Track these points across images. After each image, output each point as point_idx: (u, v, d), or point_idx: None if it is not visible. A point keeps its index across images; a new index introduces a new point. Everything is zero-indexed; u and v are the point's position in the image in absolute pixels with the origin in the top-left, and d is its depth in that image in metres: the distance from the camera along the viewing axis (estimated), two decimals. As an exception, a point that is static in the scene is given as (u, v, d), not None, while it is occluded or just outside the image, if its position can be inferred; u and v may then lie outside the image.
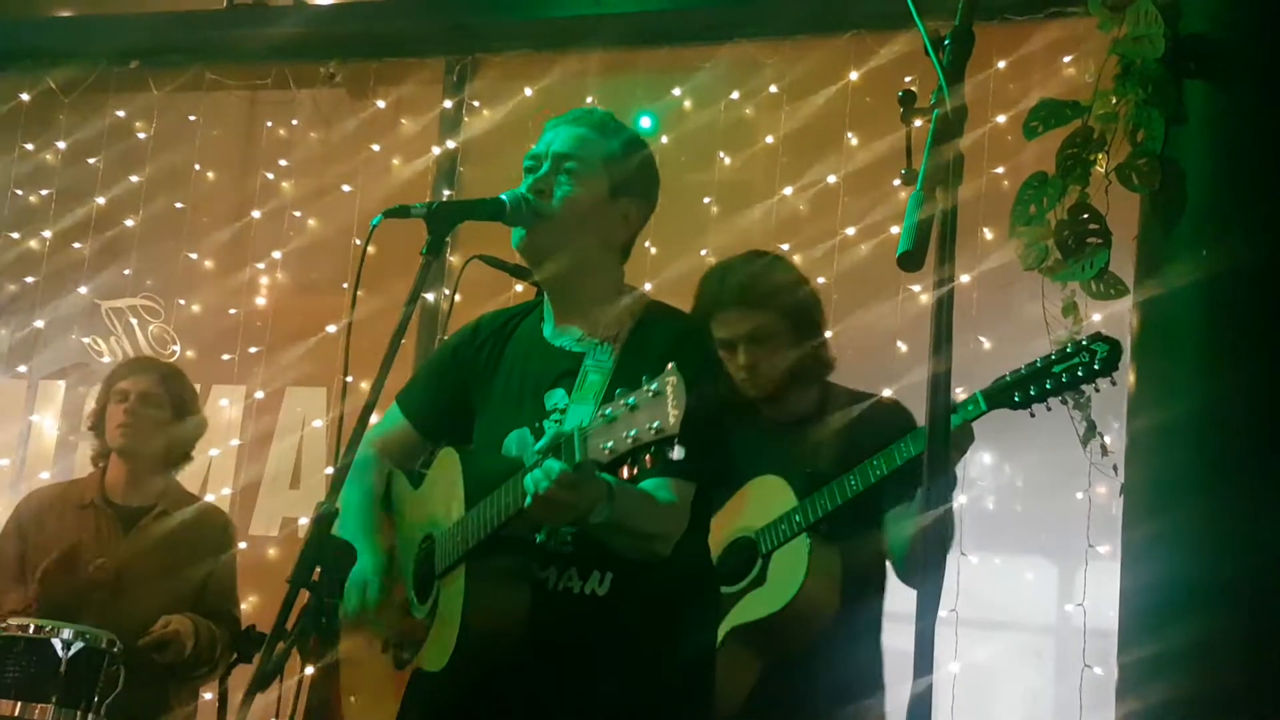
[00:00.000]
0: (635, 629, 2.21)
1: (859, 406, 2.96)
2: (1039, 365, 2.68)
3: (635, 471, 1.92)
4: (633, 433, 1.84)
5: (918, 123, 1.60)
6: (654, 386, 1.83)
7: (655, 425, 1.81)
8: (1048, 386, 2.66)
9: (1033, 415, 2.69)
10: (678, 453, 1.81)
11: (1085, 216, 3.15)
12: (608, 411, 1.88)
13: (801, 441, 2.92)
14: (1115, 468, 3.20)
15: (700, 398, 1.83)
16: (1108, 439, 3.22)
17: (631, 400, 1.85)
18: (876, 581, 2.95)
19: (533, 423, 2.26)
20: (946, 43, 1.53)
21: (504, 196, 2.30)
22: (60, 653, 3.10)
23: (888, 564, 2.93)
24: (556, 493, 1.96)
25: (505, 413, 2.32)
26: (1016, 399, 2.68)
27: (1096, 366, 2.63)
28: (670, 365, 1.84)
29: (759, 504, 2.86)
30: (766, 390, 2.96)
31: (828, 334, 3.17)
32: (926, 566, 1.56)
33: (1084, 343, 2.66)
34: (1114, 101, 3.11)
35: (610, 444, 1.87)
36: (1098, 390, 2.73)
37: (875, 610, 2.95)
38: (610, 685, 2.19)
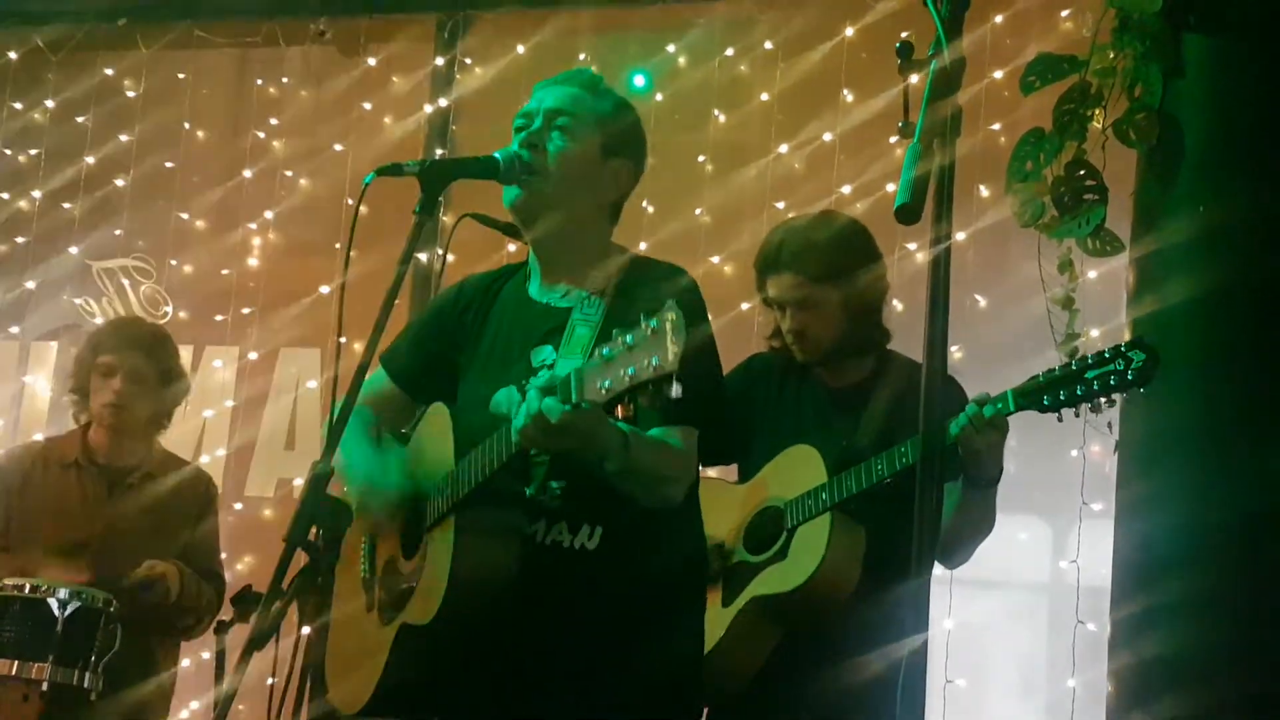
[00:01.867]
0: (625, 583, 2.21)
1: (909, 378, 2.89)
2: (1074, 369, 2.60)
3: (633, 410, 1.89)
4: (630, 370, 1.81)
5: (914, 78, 1.59)
6: (652, 324, 1.80)
7: (654, 362, 1.78)
8: (1079, 392, 2.57)
9: (1060, 419, 2.62)
10: (676, 390, 1.78)
11: (1082, 173, 3.15)
12: (605, 351, 1.86)
13: (851, 410, 2.89)
14: (1110, 425, 3.21)
15: (693, 345, 1.81)
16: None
17: (629, 338, 1.83)
18: (904, 557, 2.91)
19: (519, 380, 2.25)
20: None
21: (497, 154, 2.30)
22: (56, 612, 3.11)
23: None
24: (540, 433, 1.96)
25: (492, 371, 2.32)
26: (1046, 402, 2.60)
27: (1130, 376, 2.53)
28: (669, 302, 1.82)
29: (791, 474, 2.84)
30: (814, 356, 2.93)
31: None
32: (935, 528, 1.54)
33: (1122, 349, 2.57)
34: (1111, 56, 3.10)
35: (608, 383, 1.85)
36: (1126, 398, 2.66)
37: (906, 588, 2.91)
38: (599, 639, 2.19)
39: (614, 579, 2.21)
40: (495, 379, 2.26)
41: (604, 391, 1.86)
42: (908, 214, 1.46)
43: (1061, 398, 2.60)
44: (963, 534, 2.83)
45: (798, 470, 2.83)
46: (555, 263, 2.37)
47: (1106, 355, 2.59)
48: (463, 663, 2.18)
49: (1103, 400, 2.59)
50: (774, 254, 2.93)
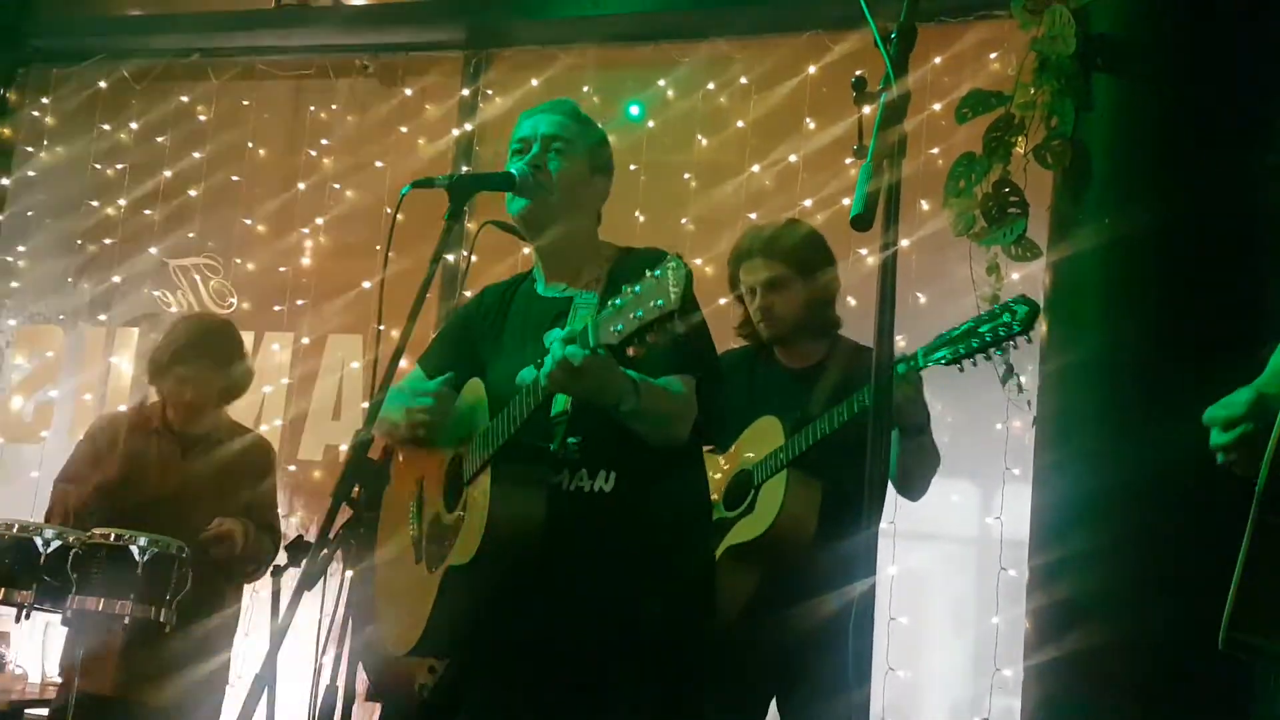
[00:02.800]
0: (640, 519, 2.20)
1: (856, 356, 2.92)
2: (970, 325, 2.61)
3: (642, 351, 1.85)
4: (639, 313, 1.79)
5: (867, 108, 1.59)
6: (656, 273, 1.78)
7: (659, 303, 1.76)
8: (974, 345, 2.59)
9: (961, 370, 2.64)
10: (680, 326, 1.76)
11: (1007, 190, 3.15)
12: (615, 301, 1.85)
13: (807, 386, 2.91)
14: (1029, 403, 3.22)
15: (685, 308, 1.78)
16: (1023, 379, 3.24)
17: (637, 288, 1.81)
18: (859, 510, 2.91)
19: (536, 360, 2.26)
20: (893, 37, 1.52)
21: (513, 170, 2.32)
22: (138, 557, 3.10)
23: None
24: (564, 378, 1.94)
25: (513, 355, 2.32)
26: (948, 355, 2.61)
27: (1016, 326, 2.56)
28: (669, 255, 1.81)
29: (758, 441, 2.86)
30: (779, 331, 2.94)
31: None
32: (881, 483, 1.54)
33: (1009, 303, 2.59)
34: (1032, 92, 3.10)
35: (619, 325, 1.82)
36: (1015, 347, 2.66)
37: (859, 535, 2.91)
38: (620, 568, 2.18)
39: (629, 515, 2.20)
40: (516, 362, 2.25)
41: (616, 334, 1.83)
42: (861, 223, 1.47)
43: (961, 350, 2.61)
44: (913, 471, 2.84)
45: (763, 437, 2.85)
46: (556, 263, 2.39)
47: (996, 310, 2.61)
48: (501, 595, 2.16)
49: (994, 351, 2.59)
50: (747, 246, 2.99)
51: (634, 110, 4.88)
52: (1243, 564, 1.63)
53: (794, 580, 2.76)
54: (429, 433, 2.33)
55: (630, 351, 1.86)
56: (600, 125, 2.49)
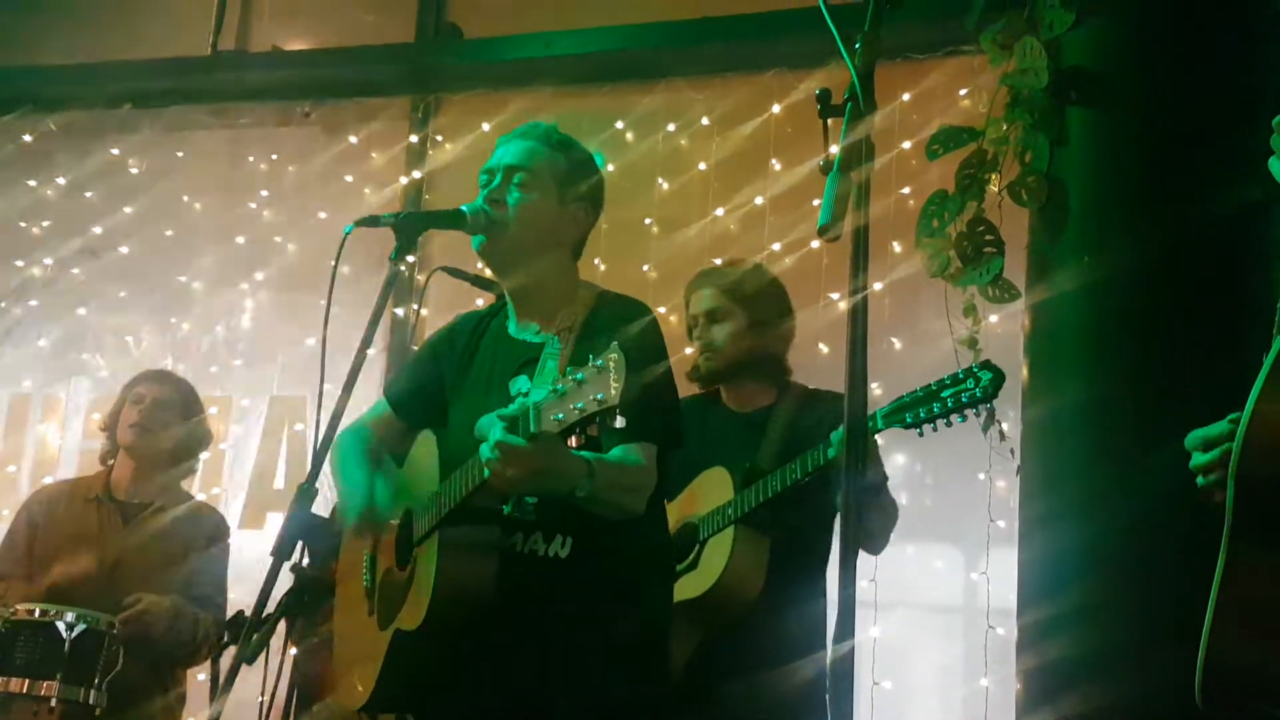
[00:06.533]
0: (594, 588, 2.21)
1: (806, 402, 2.95)
2: (932, 388, 2.63)
3: (583, 440, 1.91)
4: (579, 404, 1.83)
5: (831, 121, 1.61)
6: (598, 363, 1.83)
7: (599, 396, 1.81)
8: (935, 409, 2.61)
9: (920, 434, 2.64)
10: (619, 421, 1.81)
11: (981, 229, 3.18)
12: (558, 387, 1.88)
13: (755, 433, 2.92)
14: (1012, 451, 3.22)
15: (649, 369, 1.83)
16: (1005, 425, 3.25)
17: (580, 375, 1.85)
18: (815, 562, 2.93)
19: (499, 407, 2.25)
20: (858, 47, 1.55)
21: (464, 207, 2.32)
22: (64, 634, 3.05)
23: (834, 542, 2.92)
24: (506, 465, 1.95)
25: (476, 399, 2.32)
26: (909, 419, 2.63)
27: (979, 393, 2.58)
28: (613, 343, 1.85)
29: (705, 493, 2.87)
30: (717, 366, 2.98)
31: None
32: (856, 542, 1.54)
33: (973, 368, 2.61)
34: (1004, 127, 3.15)
35: (560, 415, 1.86)
36: (978, 414, 2.66)
37: (814, 587, 2.93)
38: (572, 640, 2.19)
39: (584, 583, 2.21)
40: (479, 406, 2.26)
41: (556, 423, 1.87)
42: (828, 232, 1.48)
43: (921, 414, 2.62)
44: (873, 529, 2.86)
45: (711, 489, 2.87)
46: (526, 301, 2.38)
47: (960, 375, 2.63)
48: (449, 663, 2.18)
49: (955, 417, 2.61)
50: (697, 279, 3.13)
51: (591, 156, 4.91)
52: (1211, 616, 1.60)
53: (739, 638, 2.77)
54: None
55: (571, 441, 1.91)
56: (582, 146, 2.44)
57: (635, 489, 2.21)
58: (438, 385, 2.44)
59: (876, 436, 2.69)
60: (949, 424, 2.63)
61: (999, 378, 2.59)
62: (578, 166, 2.39)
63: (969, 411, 2.61)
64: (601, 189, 2.44)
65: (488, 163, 2.38)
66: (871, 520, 2.83)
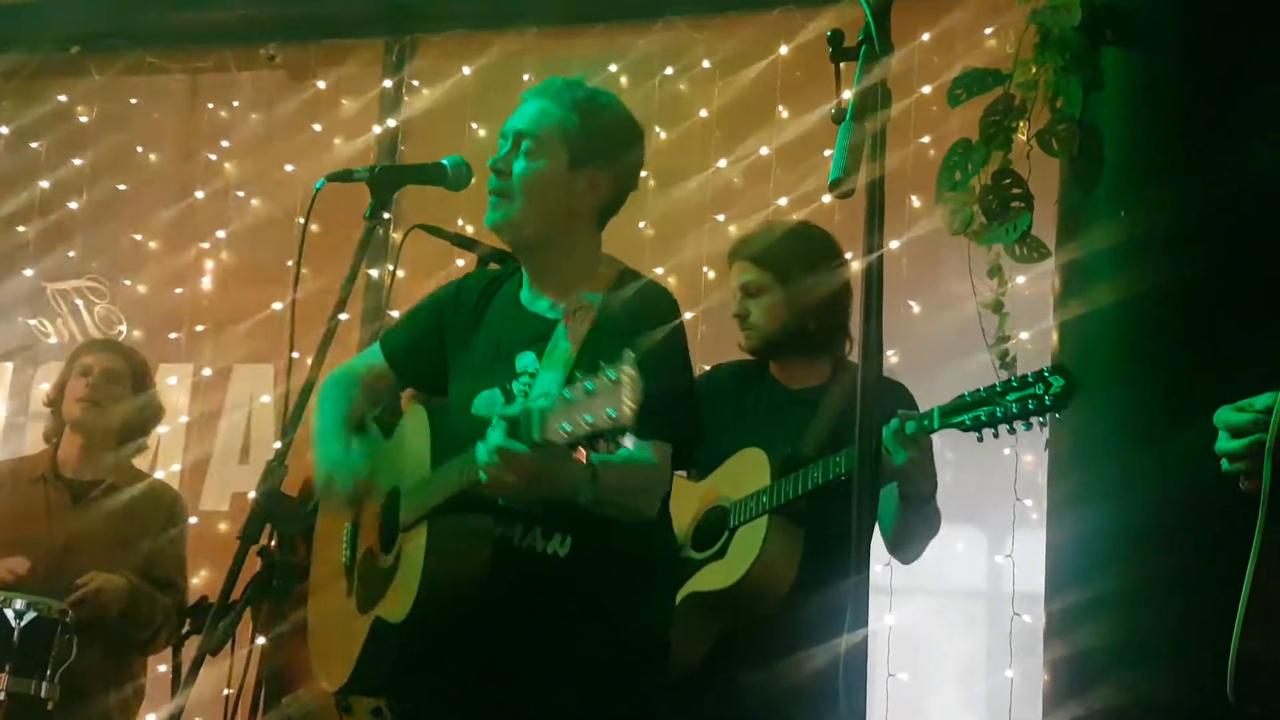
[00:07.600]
0: (593, 589, 2.21)
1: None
2: (997, 390, 2.56)
3: (587, 456, 1.93)
4: (589, 419, 1.82)
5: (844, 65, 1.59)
6: (611, 374, 1.81)
7: (611, 414, 1.80)
8: (998, 414, 2.54)
9: (980, 439, 2.59)
10: (630, 441, 1.82)
11: (1008, 181, 3.16)
12: (567, 394, 1.87)
13: (800, 414, 2.89)
14: (1041, 424, 3.21)
15: (669, 366, 1.82)
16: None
17: (590, 386, 1.84)
18: (848, 559, 2.90)
19: (502, 384, 2.26)
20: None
21: (445, 161, 2.31)
22: (13, 622, 3.06)
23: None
24: (505, 472, 1.96)
25: (478, 373, 2.31)
26: (968, 422, 2.58)
27: (1048, 400, 2.50)
28: (629, 353, 1.82)
29: (739, 476, 2.85)
30: (755, 344, 2.97)
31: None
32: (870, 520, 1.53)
33: (1044, 372, 2.54)
34: (1033, 70, 3.12)
35: (567, 426, 1.86)
36: (1044, 424, 2.58)
37: (847, 583, 2.90)
38: (567, 643, 2.20)
39: (583, 582, 2.21)
40: (482, 380, 2.27)
41: (562, 434, 1.87)
42: (840, 186, 1.48)
43: (983, 418, 2.57)
44: (909, 536, 2.84)
45: (745, 472, 2.83)
46: (540, 272, 2.37)
47: (1030, 379, 2.56)
48: (432, 661, 2.19)
49: (1020, 424, 2.55)
50: (736, 245, 3.07)
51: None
52: (1243, 611, 1.59)
53: (763, 634, 2.76)
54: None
55: (577, 455, 1.93)
56: (607, 100, 2.38)
57: (645, 490, 2.21)
58: (438, 347, 2.42)
59: (932, 437, 2.65)
60: (1012, 431, 2.57)
61: (1070, 385, 2.50)
62: (595, 127, 2.32)
63: (1036, 420, 2.54)
64: (630, 148, 2.38)
65: (506, 123, 2.35)
66: (915, 529, 2.82)
